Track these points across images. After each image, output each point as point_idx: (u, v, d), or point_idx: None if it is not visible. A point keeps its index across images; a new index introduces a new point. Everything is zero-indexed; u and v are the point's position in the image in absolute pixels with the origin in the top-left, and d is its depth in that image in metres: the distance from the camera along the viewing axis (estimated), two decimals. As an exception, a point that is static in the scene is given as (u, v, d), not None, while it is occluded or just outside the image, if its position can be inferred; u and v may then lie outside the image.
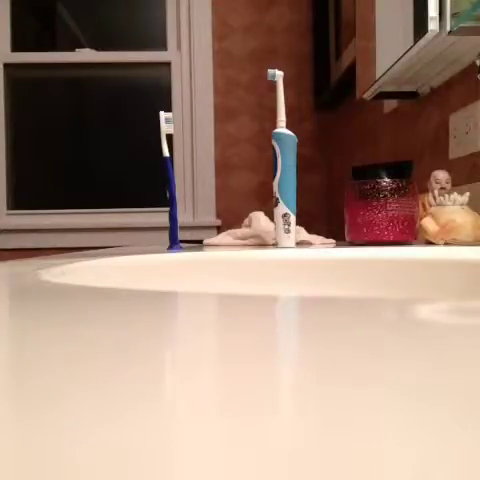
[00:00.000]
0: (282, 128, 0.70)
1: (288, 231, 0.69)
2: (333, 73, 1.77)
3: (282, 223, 0.69)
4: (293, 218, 0.70)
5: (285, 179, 0.70)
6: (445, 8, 0.82)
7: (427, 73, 1.06)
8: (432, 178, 0.81)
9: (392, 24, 1.03)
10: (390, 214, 0.71)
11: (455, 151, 1.04)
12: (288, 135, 0.70)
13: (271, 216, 1.76)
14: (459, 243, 0.67)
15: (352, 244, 0.75)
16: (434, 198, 0.78)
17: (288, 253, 0.57)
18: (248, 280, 0.57)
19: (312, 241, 0.82)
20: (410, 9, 0.91)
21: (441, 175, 0.81)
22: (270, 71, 0.71)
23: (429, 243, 0.71)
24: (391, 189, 0.71)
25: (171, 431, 0.07)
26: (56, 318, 0.15)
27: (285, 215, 0.69)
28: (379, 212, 0.72)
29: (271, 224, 0.86)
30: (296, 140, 0.71)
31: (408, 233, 0.72)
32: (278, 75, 0.71)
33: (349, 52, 1.53)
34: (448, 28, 0.82)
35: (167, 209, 0.81)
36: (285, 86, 2.07)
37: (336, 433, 0.06)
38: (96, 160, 2.10)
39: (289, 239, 0.69)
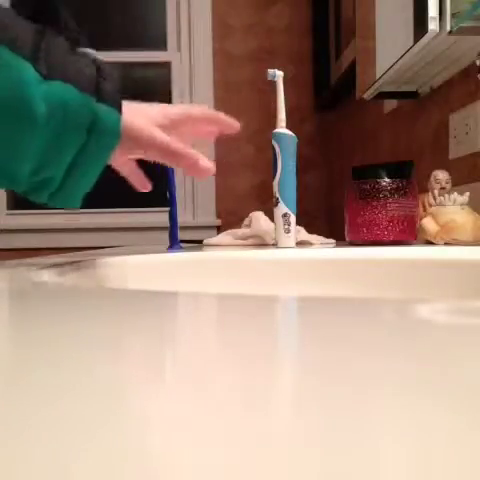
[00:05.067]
0: (282, 128, 0.70)
1: (288, 231, 0.69)
2: (333, 73, 1.77)
3: (282, 223, 0.69)
4: (293, 218, 0.70)
5: (285, 179, 0.70)
6: (445, 8, 0.82)
7: (427, 73, 1.06)
8: (432, 178, 0.81)
9: (392, 24, 1.03)
10: (390, 214, 0.71)
11: (455, 151, 1.04)
12: (288, 135, 0.70)
13: (271, 216, 1.76)
14: (459, 243, 0.67)
15: (352, 244, 0.75)
16: (434, 198, 0.78)
17: (288, 253, 0.57)
18: (248, 280, 0.57)
19: (312, 241, 0.82)
20: (410, 9, 0.91)
21: (441, 175, 0.81)
22: (270, 71, 0.71)
23: (429, 243, 0.71)
24: (391, 189, 0.71)
25: (172, 431, 0.07)
26: (56, 318, 0.15)
27: (285, 215, 0.69)
28: (379, 212, 0.72)
29: (271, 224, 0.86)
30: (296, 140, 0.71)
31: (408, 233, 0.72)
32: (278, 75, 0.71)
33: (349, 52, 1.53)
34: (448, 28, 0.82)
35: (167, 209, 0.81)
36: (285, 86, 2.07)
37: (336, 433, 0.06)
38: (96, 160, 2.10)
39: (289, 239, 0.69)
